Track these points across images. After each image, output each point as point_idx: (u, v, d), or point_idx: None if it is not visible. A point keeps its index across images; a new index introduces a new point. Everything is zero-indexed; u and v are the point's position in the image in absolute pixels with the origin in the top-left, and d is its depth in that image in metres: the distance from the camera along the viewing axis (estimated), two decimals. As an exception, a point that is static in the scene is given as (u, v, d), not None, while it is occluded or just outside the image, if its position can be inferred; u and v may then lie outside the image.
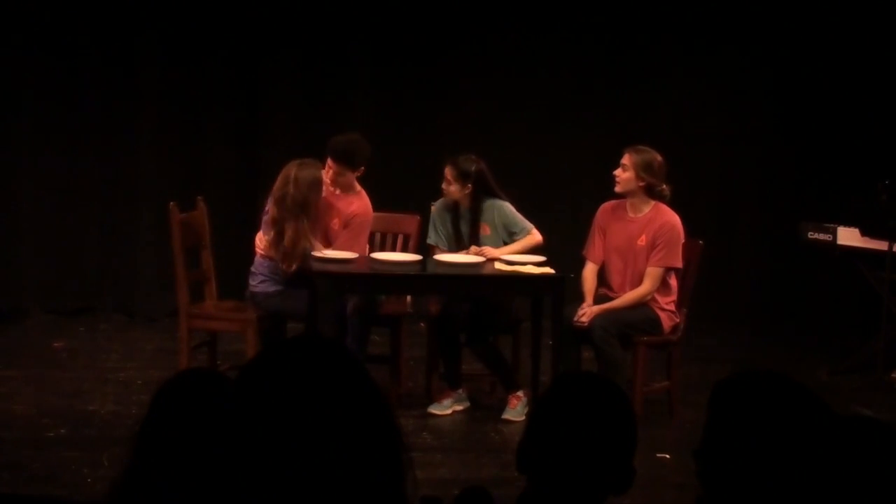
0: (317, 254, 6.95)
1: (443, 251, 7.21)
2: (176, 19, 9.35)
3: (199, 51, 9.42)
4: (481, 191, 7.09)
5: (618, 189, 7.07)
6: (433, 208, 7.31)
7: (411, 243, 7.53)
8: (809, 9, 9.68)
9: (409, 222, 7.55)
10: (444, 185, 7.14)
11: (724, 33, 9.74)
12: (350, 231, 7.20)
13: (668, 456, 6.12)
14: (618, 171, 7.04)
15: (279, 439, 1.96)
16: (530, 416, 2.56)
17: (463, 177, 7.06)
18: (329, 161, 7.18)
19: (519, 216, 7.20)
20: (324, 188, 7.15)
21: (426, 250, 7.27)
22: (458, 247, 7.20)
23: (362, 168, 7.23)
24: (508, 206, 7.18)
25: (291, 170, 7.05)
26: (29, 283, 9.32)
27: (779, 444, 2.36)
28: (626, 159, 7.03)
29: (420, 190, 8.16)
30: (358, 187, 7.31)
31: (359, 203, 7.26)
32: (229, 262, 8.58)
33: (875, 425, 2.44)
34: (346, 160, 7.15)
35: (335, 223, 7.22)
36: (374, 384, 2.05)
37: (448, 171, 7.10)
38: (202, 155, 9.58)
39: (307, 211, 6.99)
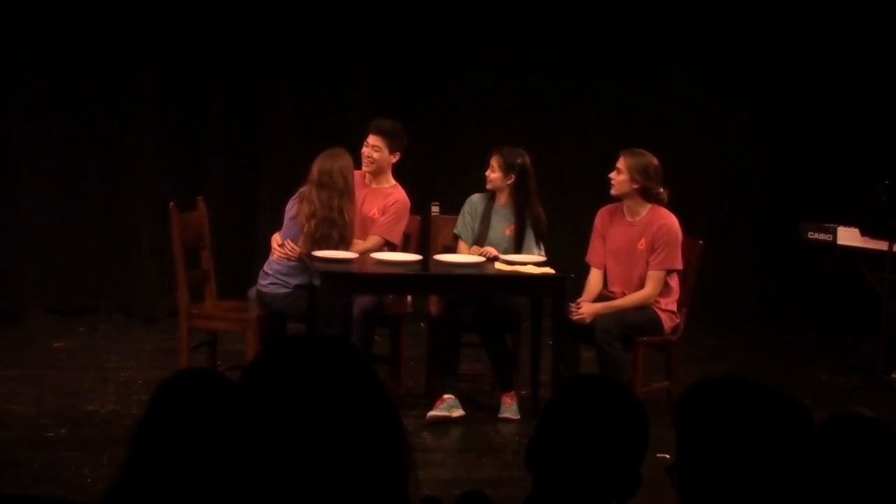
0: (318, 254, 6.96)
1: (464, 243, 7.23)
2: (176, 20, 9.35)
3: (199, 51, 9.42)
4: (522, 186, 7.12)
5: (613, 192, 7.07)
6: (469, 199, 7.33)
7: (412, 243, 7.54)
8: (809, 9, 9.68)
9: (410, 222, 7.55)
10: (487, 172, 7.19)
11: (724, 34, 9.74)
12: (388, 216, 7.25)
13: (668, 456, 6.11)
14: (613, 174, 7.05)
15: (283, 437, 1.96)
16: (543, 414, 2.56)
17: (507, 167, 7.11)
18: (369, 138, 7.24)
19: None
20: (359, 182, 7.22)
21: (427, 250, 7.27)
22: (480, 240, 7.21)
23: (398, 154, 7.29)
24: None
25: (334, 162, 7.04)
26: (29, 283, 9.32)
27: (751, 449, 2.35)
28: (621, 162, 7.04)
29: (420, 191, 8.16)
30: (393, 181, 7.36)
31: (397, 193, 7.32)
32: (229, 262, 8.59)
33: (854, 421, 2.43)
34: (387, 135, 7.24)
35: (374, 213, 7.25)
36: (380, 383, 2.05)
37: (494, 160, 7.16)
38: (202, 155, 9.58)
39: (352, 189, 7.05)
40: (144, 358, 8.22)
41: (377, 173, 7.30)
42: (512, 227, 7.20)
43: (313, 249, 6.95)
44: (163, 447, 2.14)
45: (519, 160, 7.13)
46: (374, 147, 7.24)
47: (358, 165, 7.26)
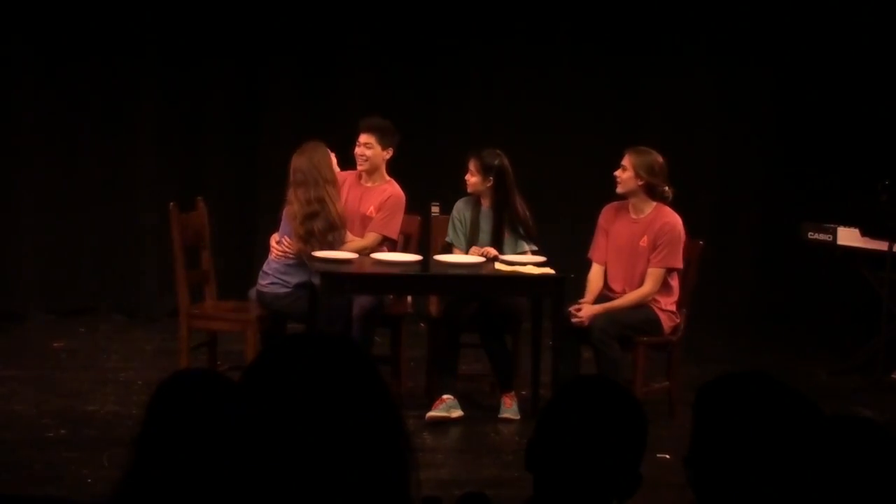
0: (317, 254, 6.96)
1: (459, 250, 7.23)
2: (176, 19, 9.35)
3: (199, 51, 9.43)
4: (502, 186, 7.11)
5: (619, 190, 7.06)
6: (455, 206, 7.33)
7: (412, 243, 7.54)
8: (809, 9, 9.67)
9: (410, 223, 7.56)
10: (467, 177, 7.19)
11: (724, 34, 9.73)
12: (384, 211, 7.26)
13: (668, 456, 6.12)
14: (618, 172, 7.04)
15: (285, 437, 1.95)
16: (542, 414, 2.56)
17: (485, 169, 7.11)
18: (360, 136, 7.27)
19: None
20: (353, 182, 7.28)
21: (427, 250, 7.27)
22: (475, 244, 7.21)
23: (391, 150, 7.31)
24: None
25: (303, 157, 7.07)
26: (29, 284, 9.32)
27: (767, 446, 2.36)
28: (625, 160, 7.04)
29: (420, 191, 8.16)
30: (388, 177, 7.37)
31: (391, 189, 7.33)
32: (229, 262, 8.60)
33: (866, 425, 2.43)
34: (377, 131, 7.26)
35: (370, 210, 7.27)
36: (383, 382, 2.05)
37: (472, 163, 7.16)
38: (202, 155, 9.58)
39: (331, 178, 7.04)
40: (145, 358, 8.22)
41: (372, 171, 7.31)
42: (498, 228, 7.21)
43: (304, 248, 6.97)
44: (164, 448, 2.14)
45: (496, 161, 7.12)
46: (365, 145, 7.27)
47: (352, 165, 7.28)
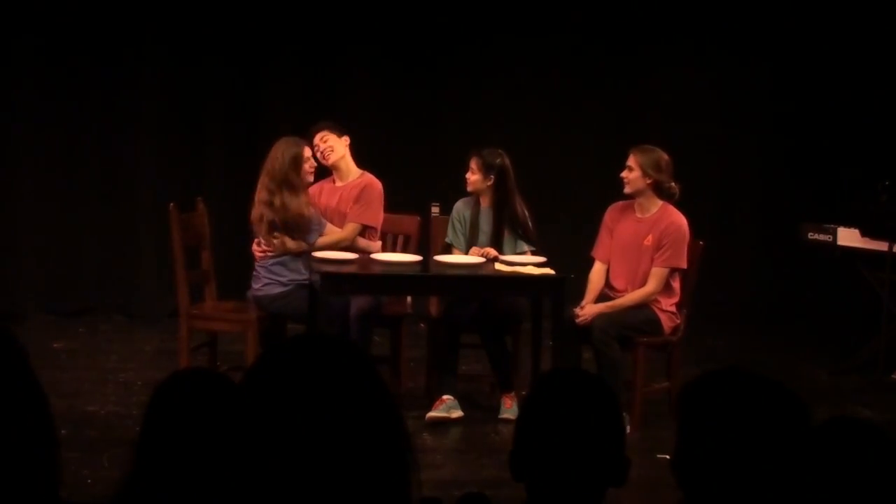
0: (317, 254, 6.96)
1: (459, 251, 7.23)
2: (176, 19, 9.36)
3: (200, 51, 9.43)
4: (502, 185, 7.11)
5: (626, 190, 7.04)
6: (454, 207, 7.32)
7: (411, 243, 7.53)
8: (809, 8, 9.68)
9: (410, 223, 7.56)
10: (467, 175, 7.17)
11: (724, 33, 9.74)
12: (360, 202, 7.25)
13: (668, 456, 6.12)
14: (624, 173, 7.01)
15: (286, 437, 1.96)
16: (517, 422, 2.55)
17: (486, 168, 7.10)
18: (315, 137, 7.28)
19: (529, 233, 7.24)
20: (330, 189, 7.28)
21: (427, 250, 7.27)
22: (475, 245, 7.21)
23: (346, 137, 7.32)
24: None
25: (276, 147, 7.14)
26: (29, 284, 9.32)
27: (751, 442, 2.36)
28: (631, 160, 7.02)
29: (420, 191, 8.16)
30: (359, 171, 7.37)
31: (366, 180, 7.32)
32: (229, 262, 8.60)
33: (852, 423, 2.43)
34: (327, 127, 7.30)
35: (350, 207, 7.26)
36: (383, 383, 2.05)
37: (473, 161, 7.15)
38: (202, 155, 9.58)
39: (292, 180, 7.02)
40: (145, 359, 8.22)
41: (339, 163, 7.29)
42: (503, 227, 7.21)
43: (263, 236, 7.03)
44: (164, 449, 2.14)
45: (498, 160, 7.12)
46: (321, 139, 7.28)
47: (330, 171, 7.29)
